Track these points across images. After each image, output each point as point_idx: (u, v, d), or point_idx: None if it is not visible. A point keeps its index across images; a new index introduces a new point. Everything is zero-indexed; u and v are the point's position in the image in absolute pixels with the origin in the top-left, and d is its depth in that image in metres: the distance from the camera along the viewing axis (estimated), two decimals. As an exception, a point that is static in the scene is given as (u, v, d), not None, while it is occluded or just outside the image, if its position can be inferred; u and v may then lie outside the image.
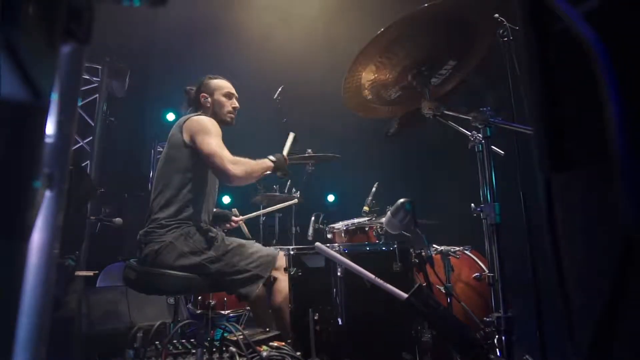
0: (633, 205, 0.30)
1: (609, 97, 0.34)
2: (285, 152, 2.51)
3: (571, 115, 0.52)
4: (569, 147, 0.51)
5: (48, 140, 0.69)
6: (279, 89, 3.55)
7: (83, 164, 5.31)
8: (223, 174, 2.12)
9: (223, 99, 2.39)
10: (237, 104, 2.44)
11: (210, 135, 2.14)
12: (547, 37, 0.53)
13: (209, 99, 2.38)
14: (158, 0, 0.39)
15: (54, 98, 0.64)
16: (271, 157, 2.33)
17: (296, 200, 3.29)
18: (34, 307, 0.72)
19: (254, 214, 3.20)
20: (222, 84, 2.43)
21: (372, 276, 1.40)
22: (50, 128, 0.68)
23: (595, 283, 0.45)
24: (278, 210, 3.75)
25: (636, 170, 0.30)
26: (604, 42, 0.45)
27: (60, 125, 0.66)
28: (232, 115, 2.41)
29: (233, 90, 2.45)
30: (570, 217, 0.49)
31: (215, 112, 2.37)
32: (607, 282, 0.43)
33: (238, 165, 2.10)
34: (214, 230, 2.22)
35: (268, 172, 2.33)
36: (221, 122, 2.34)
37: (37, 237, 0.72)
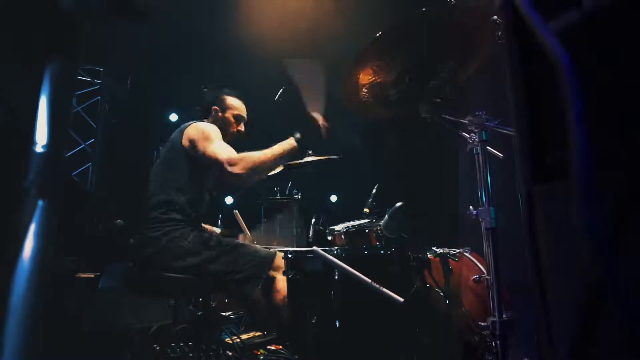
0: (588, 227, 0.31)
1: (573, 118, 0.34)
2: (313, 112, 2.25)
3: (553, 128, 0.52)
4: (550, 160, 0.52)
5: (40, 150, 0.71)
6: (280, 91, 3.55)
7: (85, 166, 5.35)
8: (227, 177, 2.13)
9: (232, 120, 2.44)
10: (243, 128, 2.48)
11: (209, 140, 2.16)
12: (530, 49, 0.54)
13: (220, 114, 2.42)
14: (139, 17, 0.40)
15: (44, 111, 0.65)
16: (296, 134, 2.19)
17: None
18: (26, 312, 0.73)
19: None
20: (236, 105, 2.47)
21: (369, 280, 1.41)
22: (42, 138, 0.69)
23: (573, 295, 0.45)
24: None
25: (593, 193, 0.31)
26: (582, 56, 0.45)
27: (52, 136, 0.67)
28: (234, 136, 2.45)
29: (244, 114, 2.49)
30: (550, 229, 0.50)
31: (220, 127, 2.38)
32: (586, 295, 0.43)
33: (237, 165, 2.07)
34: (208, 230, 2.24)
35: (287, 152, 2.18)
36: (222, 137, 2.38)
37: (30, 244, 0.74)
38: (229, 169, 2.06)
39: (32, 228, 0.71)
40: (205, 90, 2.50)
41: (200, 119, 2.40)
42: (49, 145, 0.68)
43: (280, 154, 2.18)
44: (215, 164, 2.11)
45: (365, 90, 1.83)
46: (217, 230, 2.67)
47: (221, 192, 2.65)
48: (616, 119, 0.45)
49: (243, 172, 2.07)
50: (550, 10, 0.51)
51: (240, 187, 2.52)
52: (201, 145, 2.15)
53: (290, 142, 2.20)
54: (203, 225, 2.52)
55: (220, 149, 2.13)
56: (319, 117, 2.23)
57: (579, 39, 0.48)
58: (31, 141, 0.53)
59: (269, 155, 2.15)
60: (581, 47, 0.47)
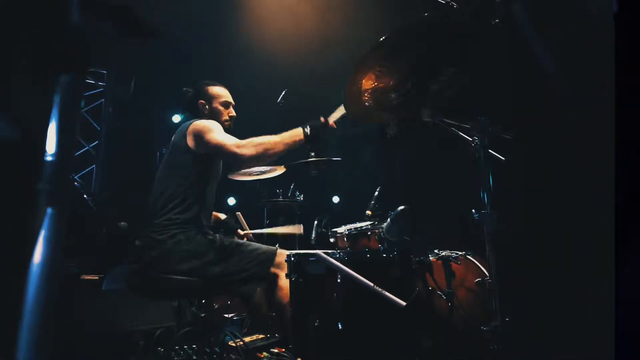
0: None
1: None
2: (331, 118, 2.25)
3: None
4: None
5: (49, 158, 0.72)
6: (283, 93, 3.56)
7: (89, 168, 5.38)
8: (234, 160, 2.12)
9: (221, 108, 2.44)
10: (233, 113, 2.48)
11: (213, 131, 2.17)
12: None
13: (207, 106, 2.43)
14: (148, 36, 0.41)
15: (55, 120, 0.67)
16: (305, 126, 2.17)
17: (300, 230, 3.06)
18: (37, 315, 0.75)
19: (258, 231, 3.11)
20: (220, 92, 2.47)
21: (371, 284, 1.42)
22: (51, 147, 0.71)
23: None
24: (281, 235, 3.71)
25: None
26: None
27: (61, 145, 0.69)
28: (229, 123, 2.47)
29: (230, 99, 2.49)
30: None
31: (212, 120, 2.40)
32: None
33: (246, 147, 2.07)
34: (212, 232, 2.25)
35: (296, 144, 2.17)
36: None
37: (40, 251, 0.75)
38: (239, 151, 2.05)
39: (42, 234, 0.72)
40: (187, 90, 2.51)
41: (193, 117, 2.40)
42: (58, 154, 0.70)
43: (289, 143, 2.15)
44: (222, 150, 2.11)
45: (368, 96, 1.84)
46: (222, 216, 2.68)
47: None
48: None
49: (253, 154, 2.06)
50: (548, 23, 0.53)
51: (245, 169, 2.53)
52: (207, 137, 2.15)
53: (298, 134, 2.16)
54: (214, 214, 2.54)
55: (225, 136, 2.15)
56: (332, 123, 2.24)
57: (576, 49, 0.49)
58: (42, 151, 0.54)
59: (278, 141, 2.13)
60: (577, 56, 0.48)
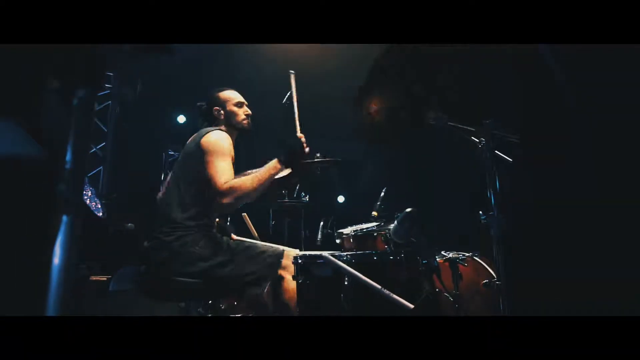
0: None
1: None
2: (298, 130, 2.34)
3: None
4: None
5: (65, 167, 0.73)
6: (288, 94, 3.56)
7: (96, 170, 5.42)
8: (213, 201, 2.15)
9: (235, 109, 2.47)
10: (249, 111, 2.52)
11: (216, 157, 2.17)
12: None
13: (222, 112, 2.46)
14: (165, 51, 0.42)
15: (71, 130, 0.68)
16: (281, 157, 2.23)
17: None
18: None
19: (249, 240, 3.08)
20: (231, 95, 2.51)
21: (379, 287, 1.42)
22: (67, 155, 0.72)
23: None
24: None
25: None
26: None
27: (75, 154, 0.70)
28: (247, 121, 2.50)
29: (242, 99, 2.52)
30: None
31: (230, 123, 2.44)
32: None
33: (226, 197, 2.09)
34: (220, 235, 2.26)
35: (279, 176, 2.25)
36: (238, 131, 2.44)
37: (58, 256, 0.77)
38: (219, 198, 2.08)
39: (59, 240, 0.74)
40: (201, 104, 2.54)
41: (210, 124, 2.42)
42: (73, 163, 0.71)
43: (268, 178, 2.21)
44: (208, 185, 2.12)
45: (376, 110, 1.85)
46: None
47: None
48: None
49: (227, 203, 2.10)
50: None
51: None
52: (206, 159, 2.17)
53: (275, 166, 2.23)
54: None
55: (218, 173, 2.13)
56: (303, 138, 2.29)
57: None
58: (63, 163, 0.56)
59: (257, 183, 2.17)
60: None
